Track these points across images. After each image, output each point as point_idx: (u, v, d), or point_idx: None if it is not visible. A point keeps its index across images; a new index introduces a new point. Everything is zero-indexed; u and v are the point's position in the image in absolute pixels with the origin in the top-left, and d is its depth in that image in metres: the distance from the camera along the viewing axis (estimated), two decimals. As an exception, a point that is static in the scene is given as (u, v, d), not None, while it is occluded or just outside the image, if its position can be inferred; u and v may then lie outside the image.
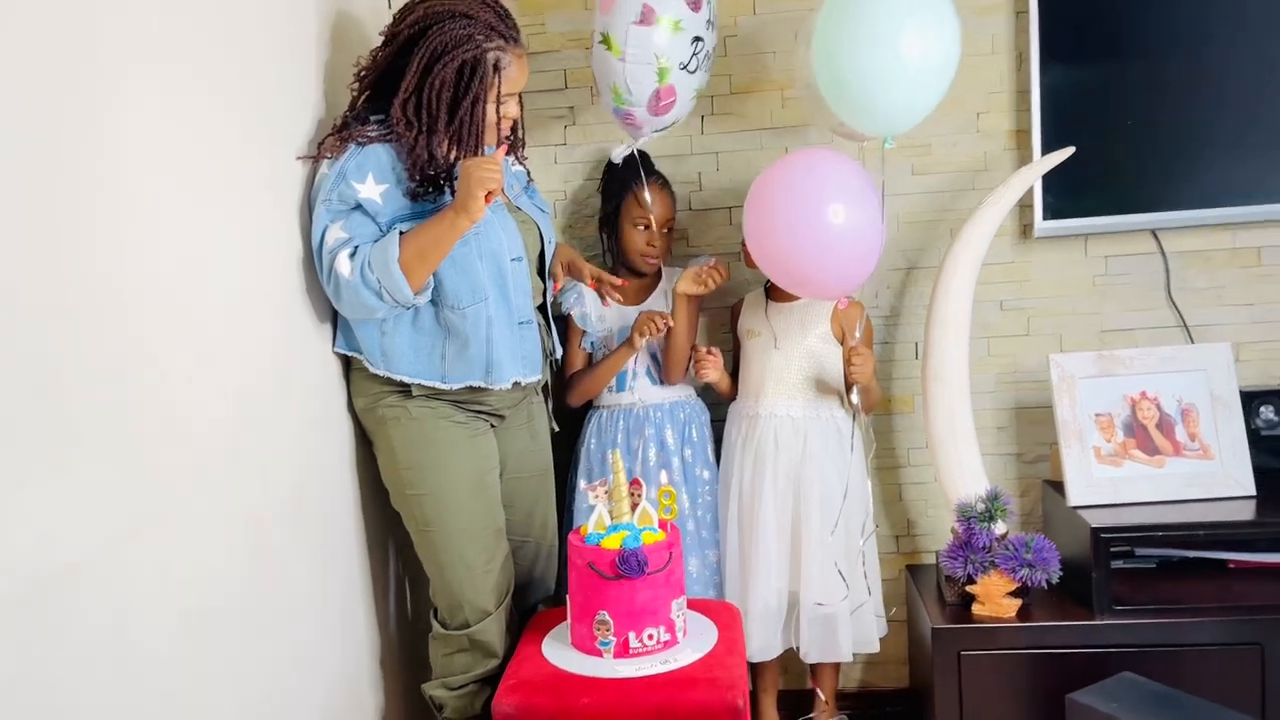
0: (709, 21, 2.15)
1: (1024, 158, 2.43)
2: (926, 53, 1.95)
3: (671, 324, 2.29)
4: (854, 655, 2.33)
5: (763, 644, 2.31)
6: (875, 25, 1.93)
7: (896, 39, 1.93)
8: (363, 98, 1.92)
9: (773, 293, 2.39)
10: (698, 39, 2.12)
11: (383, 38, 1.91)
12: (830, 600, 2.26)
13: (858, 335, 2.29)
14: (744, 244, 2.31)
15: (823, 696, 2.42)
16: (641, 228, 2.36)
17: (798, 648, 2.31)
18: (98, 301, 1.27)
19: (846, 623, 2.27)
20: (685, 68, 2.13)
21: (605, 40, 2.13)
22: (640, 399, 2.39)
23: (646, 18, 2.08)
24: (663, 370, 2.39)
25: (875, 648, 2.36)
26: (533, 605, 2.23)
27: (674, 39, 2.09)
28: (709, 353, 2.34)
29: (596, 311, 2.40)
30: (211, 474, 1.51)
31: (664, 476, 2.14)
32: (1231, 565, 2.26)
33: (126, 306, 1.33)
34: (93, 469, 1.25)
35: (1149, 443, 2.24)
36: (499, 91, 1.89)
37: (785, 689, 2.55)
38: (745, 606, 2.28)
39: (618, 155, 2.31)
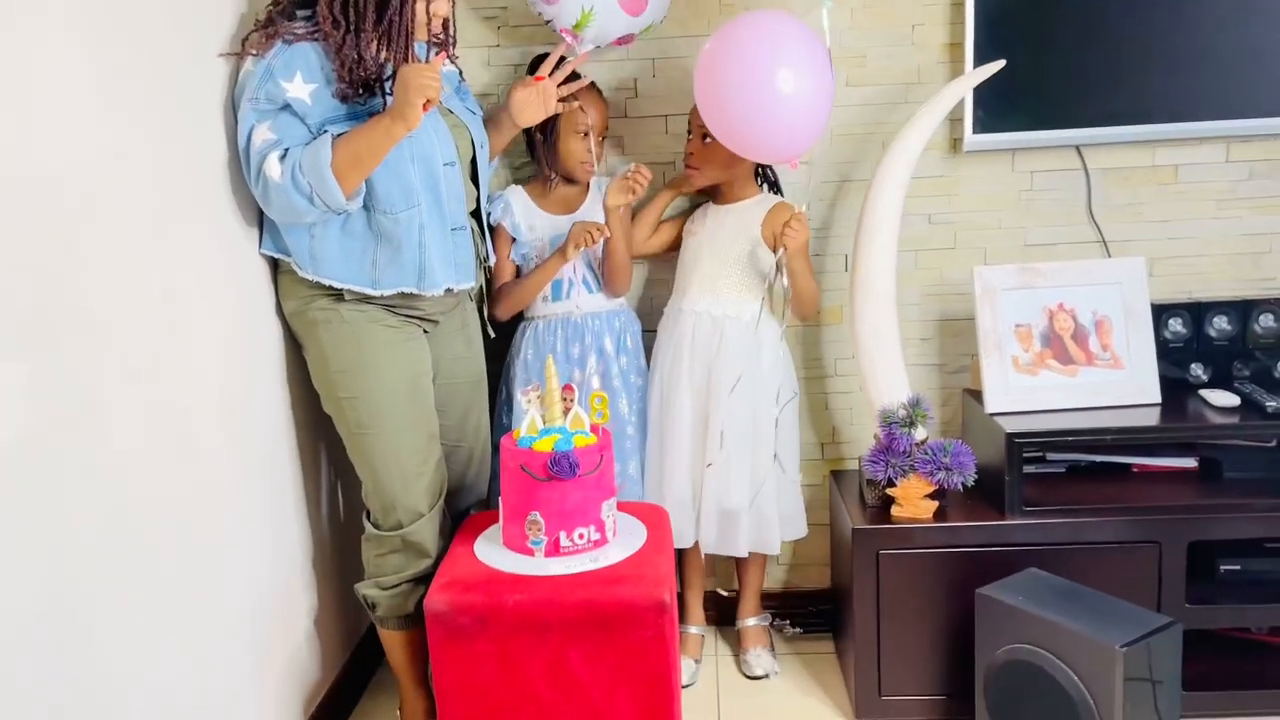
0: None
1: (957, 71, 2.44)
2: None
3: (609, 234, 2.29)
4: (749, 553, 2.39)
5: (676, 531, 2.35)
6: None
7: None
8: (288, -10, 1.87)
9: (716, 197, 2.43)
10: None
11: (309, -72, 1.85)
12: (716, 460, 2.31)
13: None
14: (689, 165, 2.35)
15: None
16: (582, 135, 2.34)
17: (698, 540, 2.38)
18: (13, 198, 1.24)
19: (746, 520, 2.34)
20: None
21: None
22: (578, 307, 2.40)
23: None
24: (605, 283, 2.40)
25: (775, 549, 2.41)
26: (465, 510, 2.26)
27: None
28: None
29: (527, 221, 2.39)
30: (137, 369, 1.51)
31: (596, 382, 2.16)
32: (1135, 469, 2.38)
33: (44, 203, 1.30)
34: (11, 361, 1.23)
35: (1064, 353, 2.33)
36: (429, -10, 1.85)
37: (712, 590, 2.64)
38: (661, 494, 2.36)
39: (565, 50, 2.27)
